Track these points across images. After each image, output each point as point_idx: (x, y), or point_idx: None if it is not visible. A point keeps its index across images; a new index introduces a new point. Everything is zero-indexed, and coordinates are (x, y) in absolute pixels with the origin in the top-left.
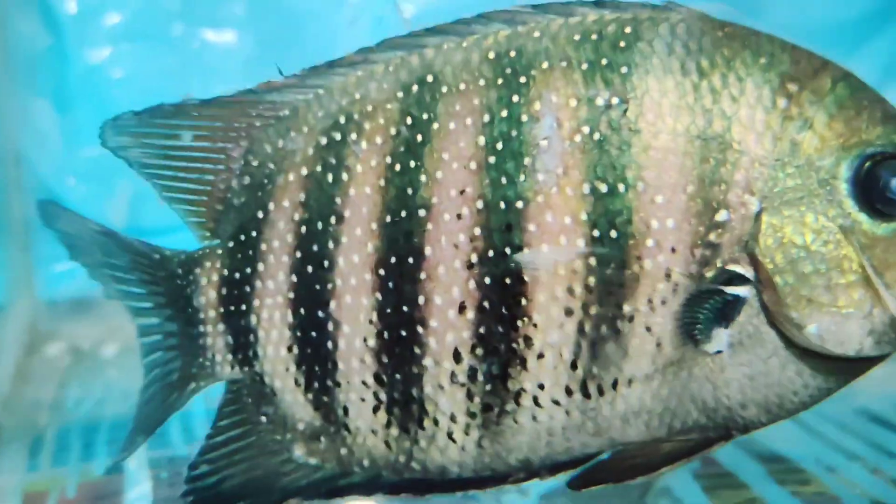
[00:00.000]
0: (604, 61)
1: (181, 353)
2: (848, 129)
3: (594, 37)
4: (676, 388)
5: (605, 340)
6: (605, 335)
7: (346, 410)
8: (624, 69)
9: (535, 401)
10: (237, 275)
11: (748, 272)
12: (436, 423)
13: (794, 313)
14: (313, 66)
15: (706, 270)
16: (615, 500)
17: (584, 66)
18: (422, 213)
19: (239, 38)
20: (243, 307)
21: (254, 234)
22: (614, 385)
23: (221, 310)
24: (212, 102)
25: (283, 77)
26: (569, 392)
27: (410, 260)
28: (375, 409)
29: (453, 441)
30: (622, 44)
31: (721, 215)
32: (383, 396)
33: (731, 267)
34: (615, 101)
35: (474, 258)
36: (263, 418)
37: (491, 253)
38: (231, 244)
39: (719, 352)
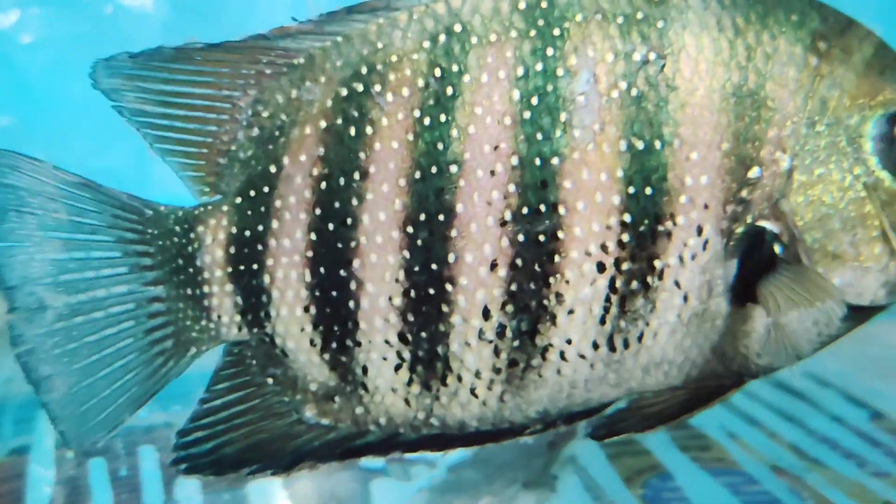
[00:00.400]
0: (639, 15)
1: (176, 317)
2: (874, 87)
3: None
4: (699, 339)
5: (634, 295)
6: (634, 290)
7: (365, 370)
8: (660, 24)
9: (562, 355)
10: (247, 232)
11: (777, 228)
12: (459, 379)
13: (821, 268)
14: (330, 11)
15: (736, 226)
16: (521, 471)
17: (620, 20)
18: (453, 168)
19: (155, 2)
20: (254, 266)
21: (265, 189)
22: (640, 338)
23: (230, 269)
24: (218, 47)
25: (297, 22)
26: (595, 346)
27: (441, 217)
28: (397, 368)
29: (475, 397)
30: None
31: (754, 172)
32: (406, 355)
33: (761, 223)
34: (652, 56)
35: (508, 215)
36: (270, 380)
37: (525, 210)
38: (239, 200)
39: (744, 305)
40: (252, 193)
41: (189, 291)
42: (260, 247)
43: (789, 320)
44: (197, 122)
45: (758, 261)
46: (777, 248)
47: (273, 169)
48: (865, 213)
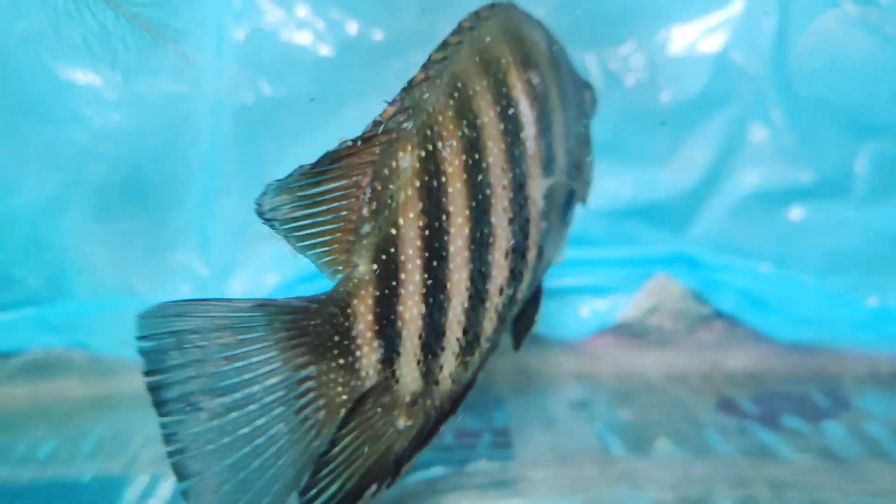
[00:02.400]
0: None
1: (327, 388)
2: None
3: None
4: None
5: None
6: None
7: (441, 368)
8: None
9: (514, 298)
10: (386, 291)
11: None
12: (479, 344)
13: None
14: (404, 87)
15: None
16: None
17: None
18: (488, 192)
19: None
20: (392, 317)
21: (392, 250)
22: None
23: (377, 327)
24: (343, 148)
25: (386, 104)
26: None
27: (483, 235)
28: (456, 357)
29: (481, 353)
30: None
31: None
32: (464, 344)
33: None
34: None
35: (511, 239)
36: (380, 409)
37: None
38: (374, 266)
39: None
40: (383, 257)
41: (342, 361)
42: (395, 299)
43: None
44: (332, 213)
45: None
46: None
47: (393, 231)
48: None
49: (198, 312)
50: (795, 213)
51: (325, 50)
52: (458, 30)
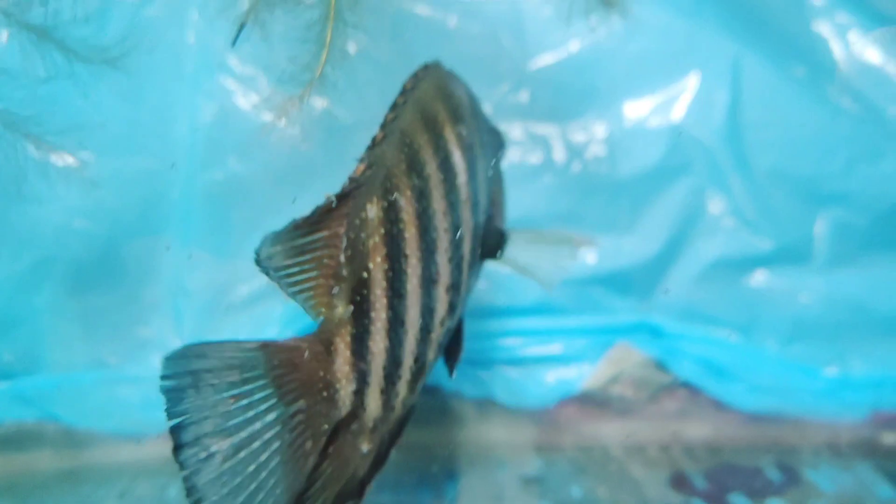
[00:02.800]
0: None
1: (315, 420)
2: None
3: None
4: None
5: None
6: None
7: (397, 395)
8: None
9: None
10: (360, 328)
11: None
12: (424, 374)
13: None
14: (368, 145)
15: None
16: None
17: None
18: (434, 235)
19: None
20: (364, 352)
21: (364, 291)
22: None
23: (352, 362)
24: (327, 206)
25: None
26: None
27: (434, 271)
28: (408, 384)
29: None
30: None
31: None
32: (415, 371)
33: None
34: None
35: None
36: (349, 436)
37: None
38: (351, 307)
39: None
40: (357, 298)
41: (325, 394)
42: (366, 335)
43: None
44: (316, 261)
45: None
46: None
47: (365, 274)
48: None
49: (212, 353)
50: (757, 280)
51: (291, 128)
52: (403, 91)
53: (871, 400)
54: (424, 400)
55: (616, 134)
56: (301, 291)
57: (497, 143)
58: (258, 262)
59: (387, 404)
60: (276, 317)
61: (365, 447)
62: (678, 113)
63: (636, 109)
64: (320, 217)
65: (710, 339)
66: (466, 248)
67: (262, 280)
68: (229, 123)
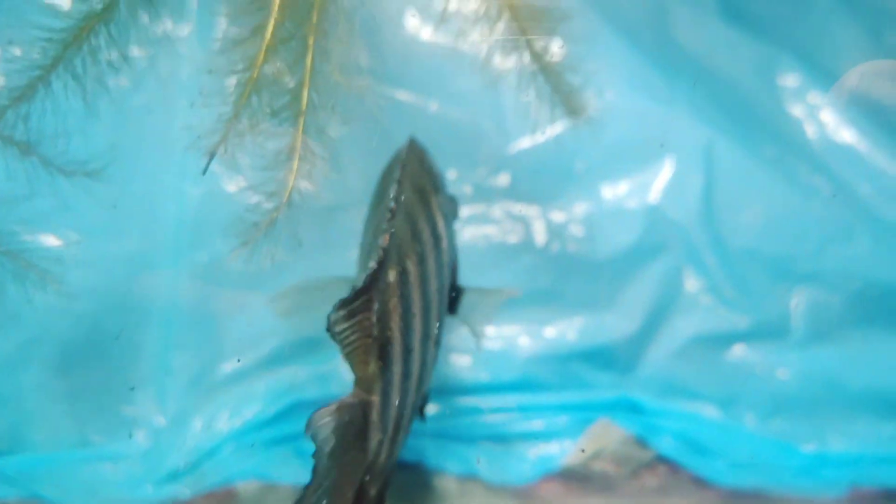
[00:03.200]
0: None
1: (352, 471)
2: None
3: None
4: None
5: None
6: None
7: (398, 444)
8: None
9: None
10: (385, 383)
11: None
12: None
13: None
14: (387, 217)
15: None
16: None
17: None
18: (430, 296)
19: None
20: (386, 405)
21: (388, 348)
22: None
23: (380, 412)
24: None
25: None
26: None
27: (428, 328)
28: (405, 431)
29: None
30: None
31: None
32: (405, 423)
33: None
34: None
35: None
36: (367, 480)
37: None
38: (381, 363)
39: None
40: (383, 355)
41: (363, 443)
42: (389, 389)
43: None
44: (360, 325)
45: None
46: None
47: (388, 333)
48: None
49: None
50: (735, 356)
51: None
52: (401, 167)
53: (850, 477)
54: (406, 476)
55: (594, 215)
56: (352, 354)
57: (454, 208)
58: (328, 329)
59: (390, 455)
60: (259, 395)
61: (373, 492)
62: (654, 194)
63: (613, 191)
64: (368, 283)
65: (690, 414)
66: (444, 304)
67: (244, 359)
68: (215, 206)
